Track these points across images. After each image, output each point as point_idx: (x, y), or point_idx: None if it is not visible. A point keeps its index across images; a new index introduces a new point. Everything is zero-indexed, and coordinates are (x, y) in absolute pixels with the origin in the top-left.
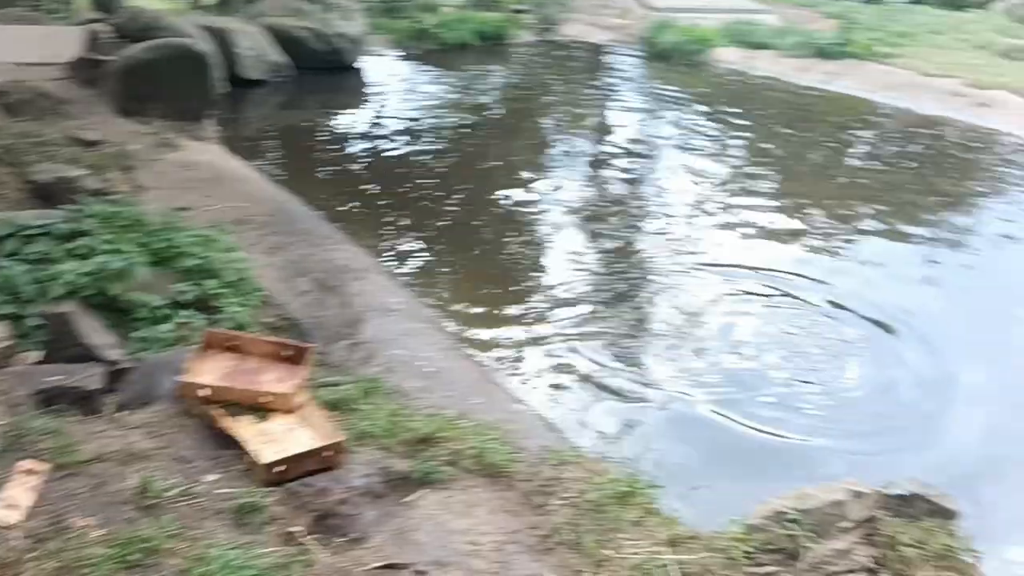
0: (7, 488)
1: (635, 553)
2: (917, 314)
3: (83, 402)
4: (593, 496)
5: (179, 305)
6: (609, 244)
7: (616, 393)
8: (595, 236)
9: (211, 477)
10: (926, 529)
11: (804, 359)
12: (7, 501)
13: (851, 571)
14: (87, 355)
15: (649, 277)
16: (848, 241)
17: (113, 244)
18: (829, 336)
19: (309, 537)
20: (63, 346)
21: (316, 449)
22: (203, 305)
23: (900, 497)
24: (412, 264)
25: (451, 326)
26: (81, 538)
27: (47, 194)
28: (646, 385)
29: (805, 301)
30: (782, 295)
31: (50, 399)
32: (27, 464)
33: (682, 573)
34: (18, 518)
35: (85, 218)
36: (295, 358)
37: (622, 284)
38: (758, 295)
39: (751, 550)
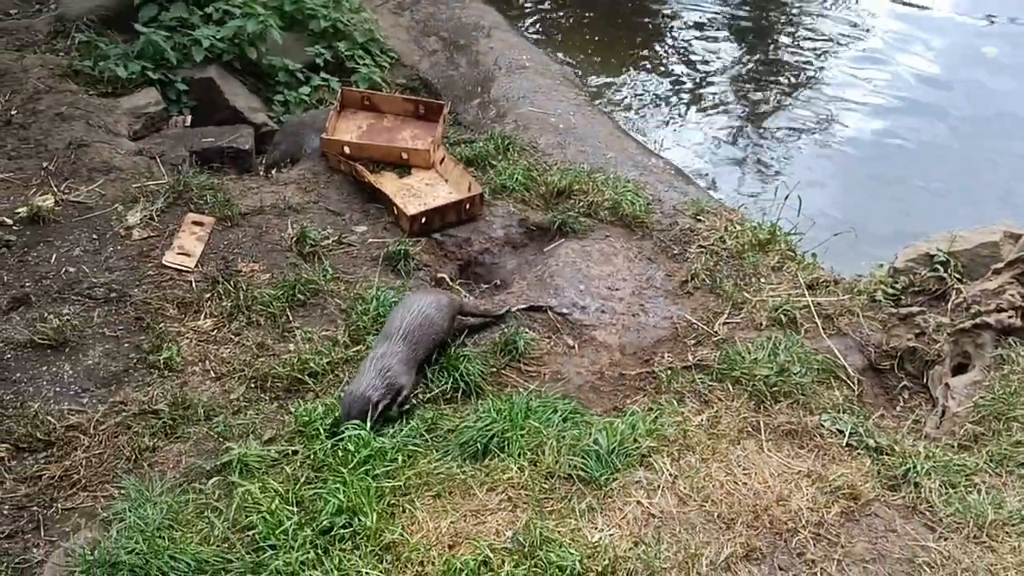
0: (180, 238)
1: (774, 295)
2: None
3: (236, 161)
4: (731, 244)
5: (315, 67)
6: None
7: (754, 149)
8: None
9: (361, 228)
10: None
11: None
12: (181, 249)
13: (1001, 310)
14: (234, 118)
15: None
16: None
17: (246, 8)
18: None
19: (455, 283)
20: (211, 110)
21: (456, 202)
22: (337, 67)
23: None
24: (541, 20)
25: (583, 82)
26: (250, 280)
27: None
28: (786, 140)
29: None
30: None
31: (206, 159)
32: (194, 217)
33: (821, 313)
34: (192, 264)
35: None
36: (429, 115)
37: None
38: None
39: (895, 292)
